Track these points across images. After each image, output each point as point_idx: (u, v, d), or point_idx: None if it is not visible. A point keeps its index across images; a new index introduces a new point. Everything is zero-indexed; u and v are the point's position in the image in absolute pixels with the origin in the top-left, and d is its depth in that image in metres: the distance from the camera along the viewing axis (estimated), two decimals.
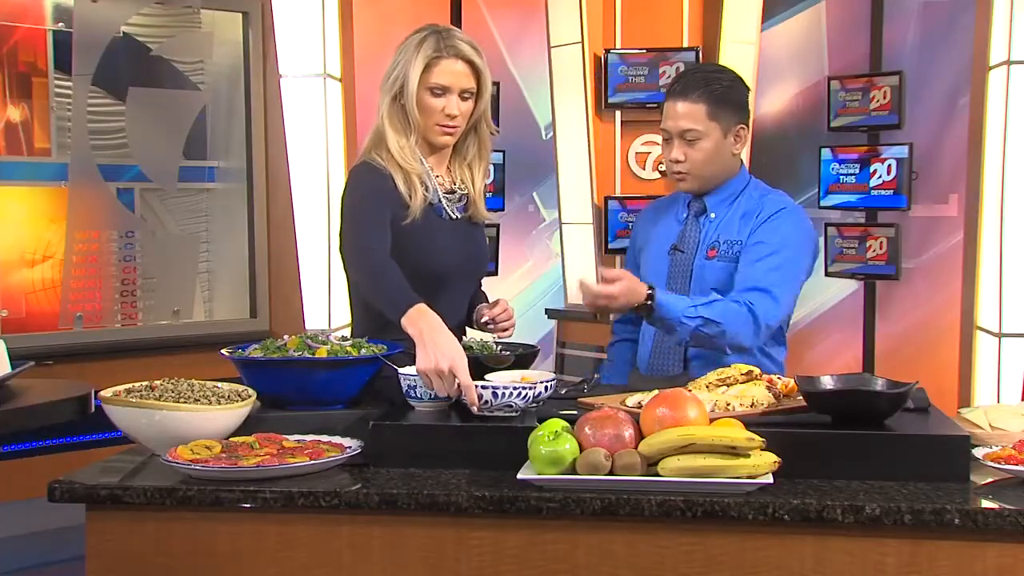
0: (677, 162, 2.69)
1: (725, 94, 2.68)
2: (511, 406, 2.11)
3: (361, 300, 2.60)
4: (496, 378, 2.24)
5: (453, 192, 2.64)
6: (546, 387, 2.18)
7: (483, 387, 2.11)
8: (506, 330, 2.62)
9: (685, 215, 2.79)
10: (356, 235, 2.48)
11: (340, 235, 2.51)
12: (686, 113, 2.66)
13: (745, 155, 4.43)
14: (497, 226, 4.71)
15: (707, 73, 2.75)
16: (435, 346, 2.17)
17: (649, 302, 2.50)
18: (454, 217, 2.62)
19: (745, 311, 2.56)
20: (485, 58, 2.58)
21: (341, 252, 2.51)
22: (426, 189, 2.57)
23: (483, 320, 2.61)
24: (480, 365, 2.32)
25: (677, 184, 2.75)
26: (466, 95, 2.56)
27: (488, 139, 2.66)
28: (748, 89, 2.77)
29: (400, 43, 2.60)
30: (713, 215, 2.74)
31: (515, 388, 2.11)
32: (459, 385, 2.13)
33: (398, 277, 2.36)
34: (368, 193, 2.52)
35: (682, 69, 4.51)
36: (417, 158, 2.57)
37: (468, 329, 2.52)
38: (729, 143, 2.70)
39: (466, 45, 2.55)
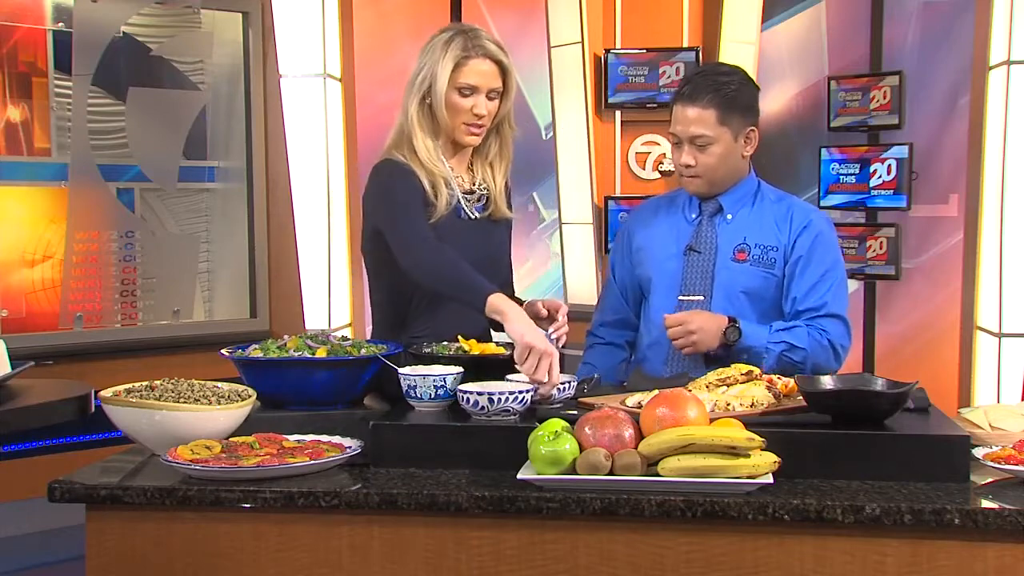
0: (688, 167, 2.68)
1: (735, 98, 2.65)
2: (508, 411, 2.11)
3: (383, 296, 2.65)
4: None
5: (472, 192, 2.65)
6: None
7: (479, 393, 2.12)
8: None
9: (696, 215, 2.75)
10: (417, 231, 2.50)
11: (388, 231, 2.52)
12: (696, 119, 2.63)
13: None
14: None
15: (716, 76, 2.69)
16: (536, 332, 2.28)
17: (734, 333, 2.56)
18: (473, 217, 2.63)
19: (825, 342, 2.61)
20: (511, 58, 2.61)
21: (400, 251, 2.50)
22: (449, 189, 2.58)
23: (549, 332, 2.48)
24: (477, 365, 2.32)
25: (686, 187, 2.73)
26: (493, 95, 2.58)
27: (510, 138, 2.69)
28: (757, 89, 2.75)
29: (425, 44, 2.61)
30: (730, 216, 2.72)
31: (512, 393, 2.12)
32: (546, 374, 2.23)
33: (468, 266, 2.43)
34: (409, 189, 2.54)
35: (682, 69, 4.51)
36: (442, 160, 2.61)
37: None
38: (740, 146, 2.68)
39: (494, 45, 2.58)
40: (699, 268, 2.70)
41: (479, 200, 2.66)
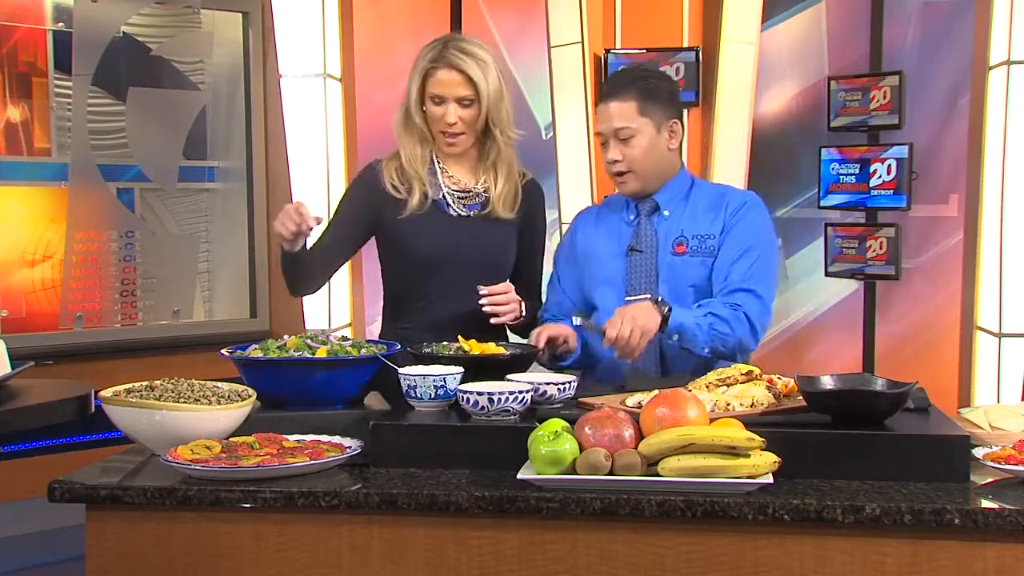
0: (616, 162, 2.70)
1: (653, 90, 2.69)
2: (508, 411, 2.11)
3: (384, 287, 2.86)
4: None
5: (468, 192, 2.76)
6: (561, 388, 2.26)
7: (479, 393, 2.12)
8: (501, 315, 2.64)
9: (635, 216, 2.75)
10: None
11: None
12: (617, 112, 2.67)
13: (745, 155, 4.46)
14: None
15: (633, 72, 2.87)
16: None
17: (664, 304, 2.51)
18: (462, 214, 2.74)
19: (741, 315, 2.59)
20: (487, 66, 2.68)
21: None
22: (424, 187, 2.72)
23: (480, 293, 2.64)
24: (477, 365, 2.32)
25: (619, 187, 2.75)
26: (464, 102, 2.68)
27: (503, 143, 2.76)
28: (676, 85, 2.84)
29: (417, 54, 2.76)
30: (667, 212, 2.73)
31: (512, 393, 2.12)
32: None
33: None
34: (346, 196, 2.87)
35: (682, 69, 4.52)
36: (424, 166, 2.74)
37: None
38: (664, 139, 2.70)
39: (460, 55, 2.66)
40: (642, 268, 2.71)
41: (475, 199, 2.76)
